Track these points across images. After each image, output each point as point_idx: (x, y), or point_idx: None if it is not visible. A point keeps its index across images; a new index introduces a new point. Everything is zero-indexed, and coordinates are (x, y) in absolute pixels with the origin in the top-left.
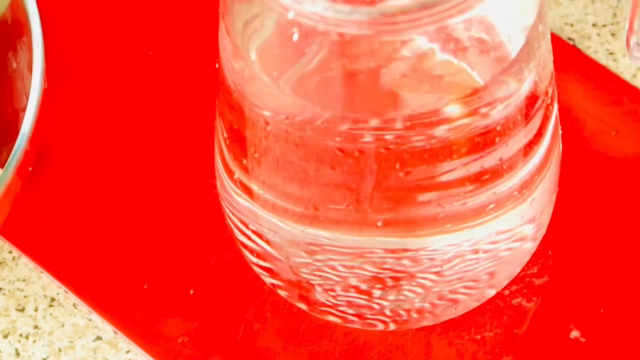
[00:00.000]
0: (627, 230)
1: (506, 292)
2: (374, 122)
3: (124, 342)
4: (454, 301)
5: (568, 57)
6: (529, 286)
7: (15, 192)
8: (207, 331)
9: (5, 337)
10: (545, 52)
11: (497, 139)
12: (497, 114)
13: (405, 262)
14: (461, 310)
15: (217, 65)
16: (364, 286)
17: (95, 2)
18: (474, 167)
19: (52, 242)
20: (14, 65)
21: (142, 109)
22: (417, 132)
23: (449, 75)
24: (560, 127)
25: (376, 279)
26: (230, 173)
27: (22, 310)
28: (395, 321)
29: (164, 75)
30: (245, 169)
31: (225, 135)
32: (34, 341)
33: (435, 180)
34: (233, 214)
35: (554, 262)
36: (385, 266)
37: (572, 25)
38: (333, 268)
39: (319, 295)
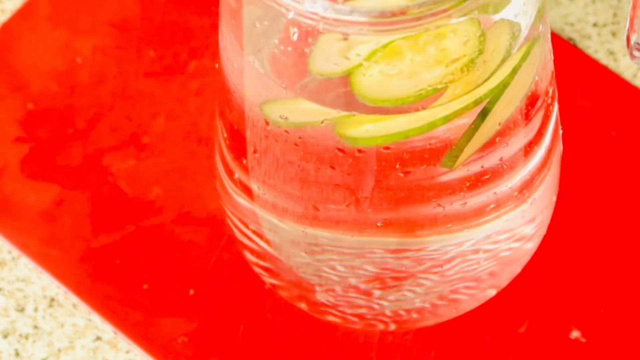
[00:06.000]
0: (627, 230)
1: (506, 292)
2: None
3: (124, 342)
4: (455, 301)
5: (568, 57)
6: (529, 286)
7: None
8: (207, 331)
9: (5, 337)
10: (545, 52)
11: (497, 139)
12: None
13: (406, 262)
14: (461, 310)
15: (217, 66)
16: (364, 286)
17: (96, 2)
18: (474, 167)
19: (52, 242)
20: None
21: (142, 109)
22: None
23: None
24: (560, 127)
25: (376, 279)
26: (230, 173)
27: (22, 310)
28: (395, 321)
29: (164, 75)
30: (245, 169)
31: (225, 135)
32: (34, 341)
33: (435, 180)
34: (233, 214)
35: (554, 262)
36: (386, 266)
37: (572, 25)
38: (333, 268)
39: (319, 295)
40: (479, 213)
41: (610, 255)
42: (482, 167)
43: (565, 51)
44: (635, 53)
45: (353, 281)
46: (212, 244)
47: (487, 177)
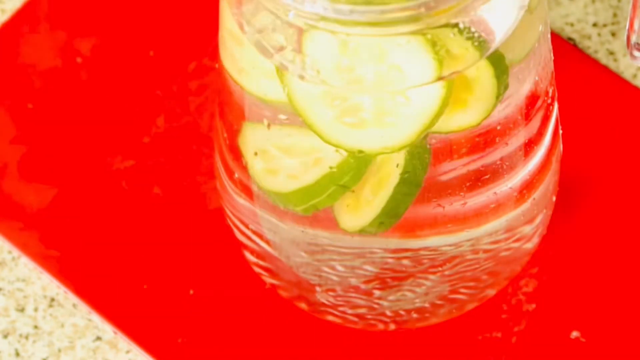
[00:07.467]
0: (626, 230)
1: (506, 292)
2: None
3: (124, 342)
4: (455, 301)
5: (568, 57)
6: (529, 286)
7: None
8: (207, 331)
9: (5, 337)
10: (545, 52)
11: (497, 139)
12: (497, 113)
13: (406, 262)
14: (461, 310)
15: (217, 66)
16: (364, 286)
17: (96, 2)
18: (474, 167)
19: (52, 242)
20: None
21: (143, 109)
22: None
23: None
24: (560, 127)
25: (376, 279)
26: (230, 173)
27: (22, 310)
28: (395, 321)
29: (164, 75)
30: (245, 169)
31: (225, 135)
32: (34, 341)
33: (435, 180)
34: (233, 214)
35: (554, 262)
36: (386, 266)
37: (572, 25)
38: (333, 268)
39: (319, 295)
40: (479, 213)
41: (610, 255)
42: (481, 167)
43: (565, 51)
44: (635, 53)
45: (353, 281)
46: (212, 244)
47: (486, 177)
